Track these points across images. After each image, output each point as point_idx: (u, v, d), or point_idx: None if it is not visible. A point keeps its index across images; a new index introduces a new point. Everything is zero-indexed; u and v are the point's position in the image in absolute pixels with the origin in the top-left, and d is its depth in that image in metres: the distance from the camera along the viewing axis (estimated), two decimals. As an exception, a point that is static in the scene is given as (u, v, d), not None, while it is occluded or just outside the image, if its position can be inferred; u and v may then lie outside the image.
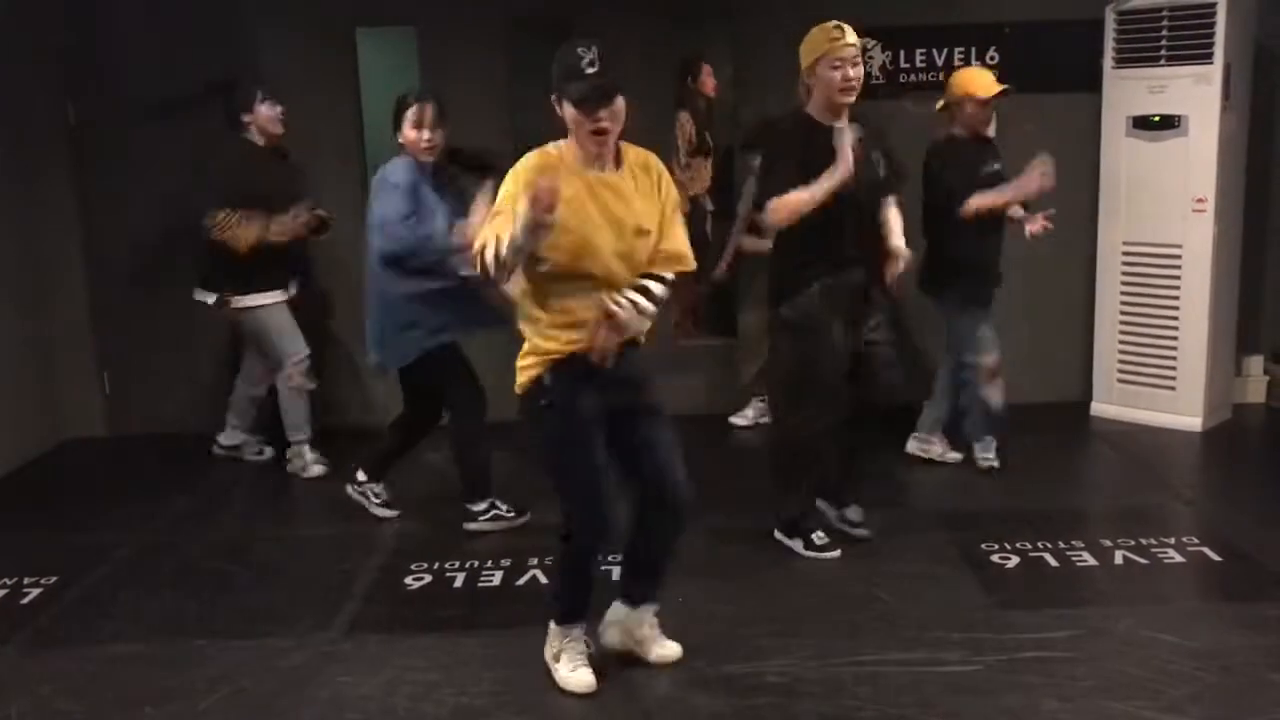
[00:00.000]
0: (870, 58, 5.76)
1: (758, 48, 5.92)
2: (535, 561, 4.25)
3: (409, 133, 4.41)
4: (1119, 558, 4.22)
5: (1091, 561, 4.20)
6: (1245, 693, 3.24)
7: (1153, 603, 3.86)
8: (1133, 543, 4.33)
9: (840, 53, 4.00)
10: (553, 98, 3.13)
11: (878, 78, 5.88)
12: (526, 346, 3.25)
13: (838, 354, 4.13)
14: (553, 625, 3.45)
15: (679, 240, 3.28)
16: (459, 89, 5.84)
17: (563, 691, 3.36)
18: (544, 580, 4.03)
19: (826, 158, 3.97)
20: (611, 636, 3.54)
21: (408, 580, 4.22)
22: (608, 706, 3.29)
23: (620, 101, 3.10)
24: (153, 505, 5.12)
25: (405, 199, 4.33)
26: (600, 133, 3.09)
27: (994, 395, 5.06)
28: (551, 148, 3.20)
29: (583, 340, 3.14)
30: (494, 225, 3.03)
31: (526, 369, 3.23)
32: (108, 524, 4.91)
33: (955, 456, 5.29)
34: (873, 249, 4.15)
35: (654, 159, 3.30)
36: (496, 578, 4.21)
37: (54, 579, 4.30)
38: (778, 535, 4.38)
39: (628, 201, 3.17)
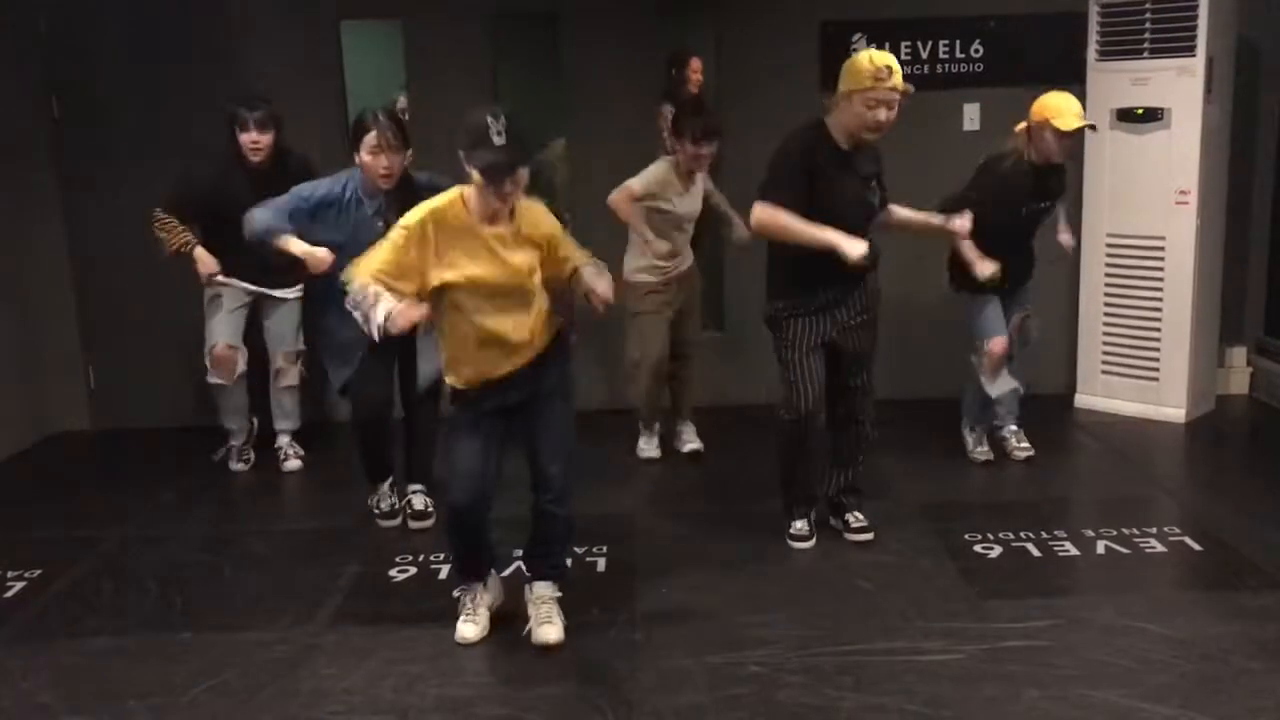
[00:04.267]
0: (854, 50, 5.75)
1: (742, 40, 5.92)
2: (519, 554, 4.24)
3: (366, 158, 4.19)
4: (1101, 548, 4.24)
5: (1073, 551, 4.23)
6: (1224, 681, 3.26)
7: (1134, 592, 3.88)
8: (1115, 533, 4.36)
9: (879, 94, 3.89)
10: (460, 155, 3.24)
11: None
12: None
13: (811, 358, 4.16)
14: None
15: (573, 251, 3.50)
16: (444, 82, 5.86)
17: (542, 680, 3.38)
18: (527, 573, 4.02)
19: (832, 175, 3.98)
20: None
21: (392, 573, 4.22)
22: (589, 696, 3.29)
23: (524, 171, 3.27)
24: (136, 499, 5.11)
25: (296, 202, 4.28)
26: (503, 199, 3.27)
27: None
28: (458, 196, 3.34)
29: (468, 380, 3.45)
30: (378, 258, 3.27)
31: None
32: (91, 518, 4.91)
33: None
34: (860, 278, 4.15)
35: (545, 218, 3.45)
36: (481, 570, 4.21)
37: (37, 572, 4.29)
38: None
39: (509, 252, 3.35)
